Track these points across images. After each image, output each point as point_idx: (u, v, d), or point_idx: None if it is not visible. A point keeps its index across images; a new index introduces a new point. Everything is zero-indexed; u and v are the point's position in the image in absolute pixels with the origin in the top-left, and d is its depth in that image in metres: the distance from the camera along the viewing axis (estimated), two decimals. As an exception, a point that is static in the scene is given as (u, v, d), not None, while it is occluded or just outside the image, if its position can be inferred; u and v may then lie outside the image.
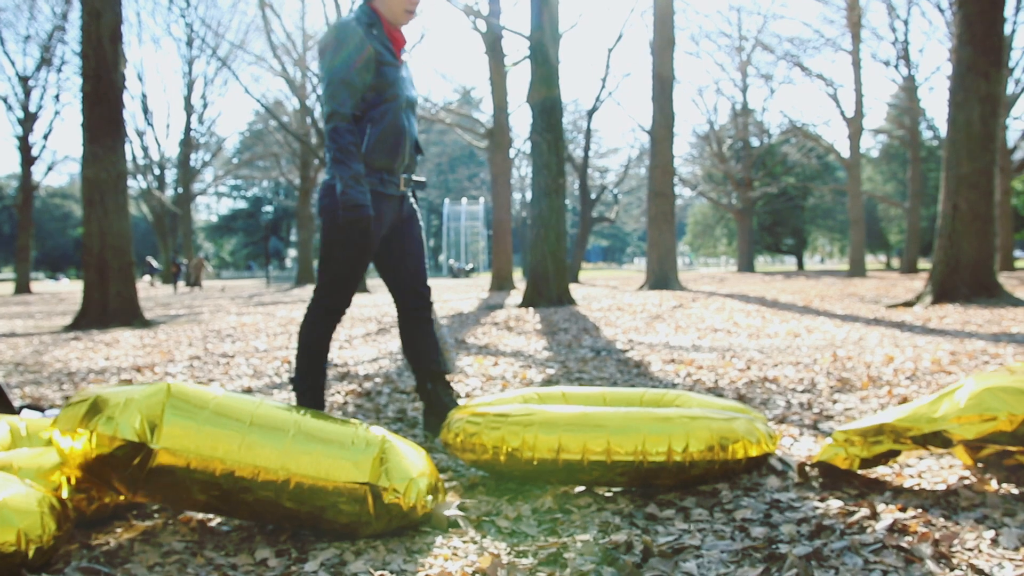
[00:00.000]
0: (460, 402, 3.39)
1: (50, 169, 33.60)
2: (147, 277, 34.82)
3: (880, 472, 2.38)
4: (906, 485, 2.26)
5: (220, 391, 2.04)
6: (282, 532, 2.11)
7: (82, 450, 1.87)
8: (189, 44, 36.03)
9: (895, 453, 2.24)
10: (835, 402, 3.65)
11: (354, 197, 2.87)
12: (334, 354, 6.18)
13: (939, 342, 5.76)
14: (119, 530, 2.13)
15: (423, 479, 2.05)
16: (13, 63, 29.20)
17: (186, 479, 1.87)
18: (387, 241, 3.16)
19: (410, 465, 2.05)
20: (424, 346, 3.25)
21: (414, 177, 3.23)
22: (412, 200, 3.25)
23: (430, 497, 2.05)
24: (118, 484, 1.91)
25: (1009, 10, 23.31)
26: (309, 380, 3.16)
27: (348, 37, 2.93)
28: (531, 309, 10.82)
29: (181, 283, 28.52)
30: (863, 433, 2.27)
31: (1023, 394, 2.07)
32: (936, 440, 2.15)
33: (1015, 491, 2.13)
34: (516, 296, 14.91)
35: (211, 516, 2.25)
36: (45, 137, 29.43)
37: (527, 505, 2.22)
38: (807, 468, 2.38)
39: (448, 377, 3.37)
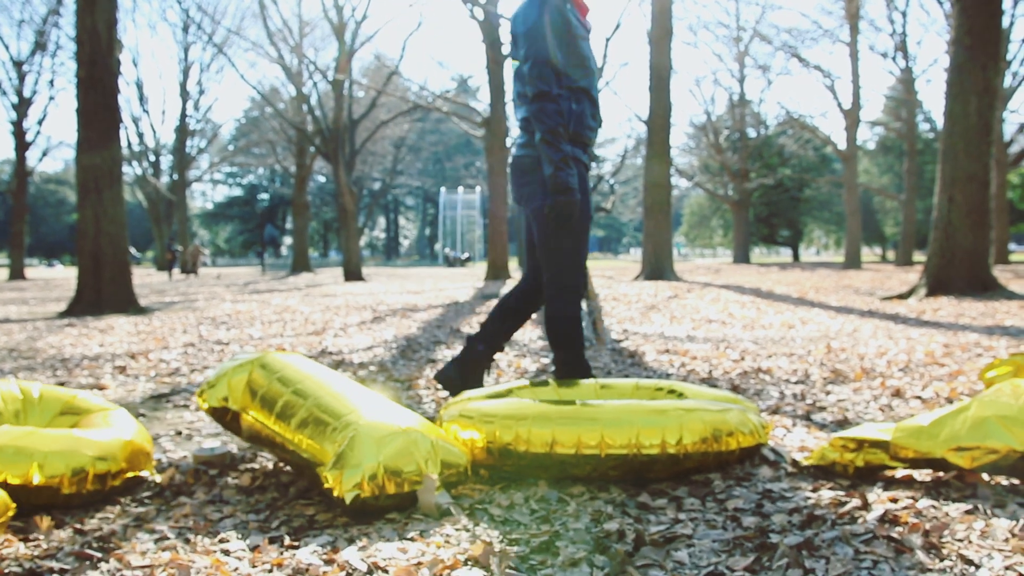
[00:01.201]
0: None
1: (45, 155, 33.47)
2: None
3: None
4: (897, 476, 2.27)
5: (299, 362, 2.48)
6: (274, 518, 2.11)
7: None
8: (185, 30, 35.77)
9: (892, 467, 2.24)
10: (828, 393, 3.66)
11: (564, 180, 2.90)
12: (328, 343, 6.18)
13: (933, 334, 5.77)
14: (112, 516, 2.14)
15: (357, 472, 2.02)
16: (7, 47, 29.12)
17: (256, 433, 2.38)
18: None
19: (352, 456, 2.05)
20: (513, 327, 3.33)
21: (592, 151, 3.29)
22: None
23: (355, 493, 2.00)
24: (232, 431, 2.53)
25: (1007, 3, 23.29)
26: (580, 352, 3.18)
27: (550, 15, 2.96)
28: (526, 299, 10.81)
29: (176, 270, 28.42)
30: (861, 443, 2.26)
31: None
32: (933, 464, 2.15)
33: (1005, 482, 2.13)
34: (512, 285, 14.90)
35: (205, 502, 2.25)
36: (39, 123, 29.22)
37: (520, 493, 2.22)
38: (802, 465, 2.39)
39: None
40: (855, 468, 2.26)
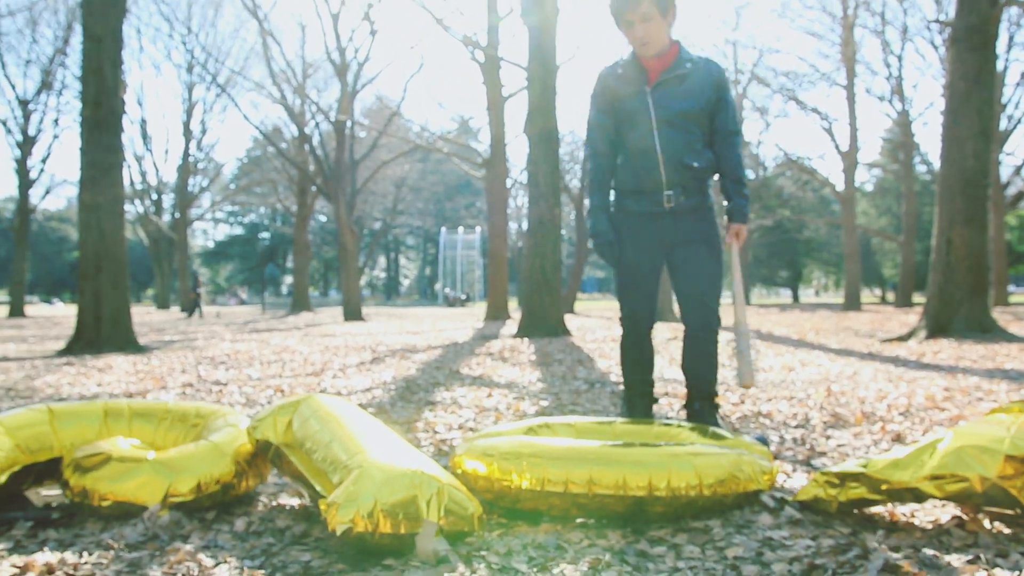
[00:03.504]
0: (473, 433, 3.36)
1: (48, 192, 33.69)
2: None
3: (874, 509, 2.37)
4: (899, 523, 2.25)
5: (337, 405, 2.57)
6: (269, 564, 2.09)
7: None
8: (189, 70, 36.19)
9: (873, 502, 2.25)
10: (828, 438, 3.64)
11: (590, 226, 3.41)
12: (327, 383, 6.15)
13: (933, 377, 5.76)
14: (105, 561, 2.11)
15: (352, 507, 2.02)
16: (14, 87, 29.34)
17: (291, 468, 2.47)
18: (669, 259, 3.44)
19: (352, 492, 2.06)
20: (695, 366, 3.44)
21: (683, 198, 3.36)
22: (697, 220, 3.42)
23: (347, 527, 2.00)
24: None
25: (1001, 47, 23.61)
26: (628, 392, 3.54)
27: (595, 85, 3.48)
28: (526, 339, 10.81)
29: (190, 311, 26.54)
30: (842, 477, 2.28)
31: (997, 455, 2.05)
32: (909, 495, 2.17)
33: (1007, 530, 2.12)
34: (511, 326, 14.89)
35: (200, 547, 2.23)
36: (43, 161, 29.50)
37: (518, 540, 2.20)
38: (788, 505, 2.40)
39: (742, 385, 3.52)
40: (838, 503, 2.29)
